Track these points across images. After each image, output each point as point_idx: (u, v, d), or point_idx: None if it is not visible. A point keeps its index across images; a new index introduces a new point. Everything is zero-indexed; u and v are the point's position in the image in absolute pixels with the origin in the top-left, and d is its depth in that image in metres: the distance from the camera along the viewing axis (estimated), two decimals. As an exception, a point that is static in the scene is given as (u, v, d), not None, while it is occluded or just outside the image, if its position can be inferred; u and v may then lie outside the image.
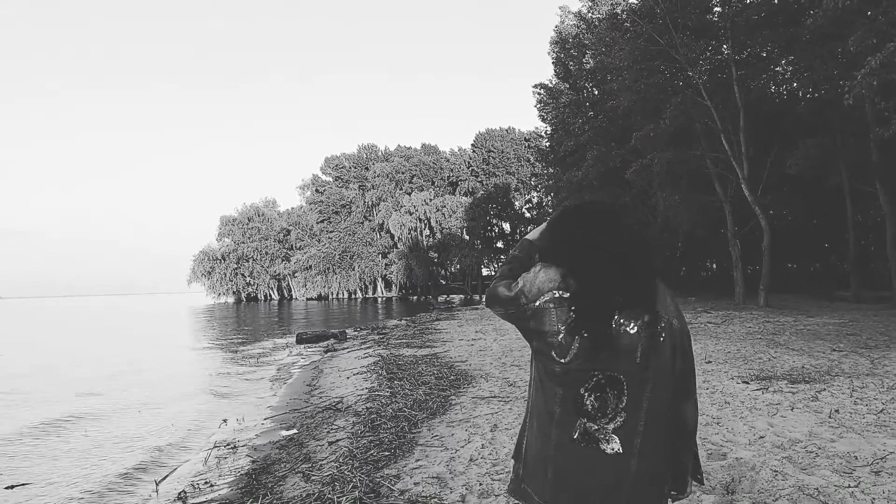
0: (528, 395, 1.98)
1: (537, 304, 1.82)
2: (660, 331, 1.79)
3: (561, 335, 1.77)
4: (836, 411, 6.22)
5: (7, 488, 6.45)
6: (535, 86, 43.05)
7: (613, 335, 1.75)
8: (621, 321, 1.76)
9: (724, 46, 24.61)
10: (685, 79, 25.49)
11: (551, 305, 1.79)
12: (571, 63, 38.60)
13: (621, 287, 1.79)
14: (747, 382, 8.08)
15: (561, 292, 1.79)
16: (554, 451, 1.81)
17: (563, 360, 1.77)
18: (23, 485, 6.55)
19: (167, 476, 6.63)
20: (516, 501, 1.96)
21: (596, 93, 37.30)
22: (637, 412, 1.77)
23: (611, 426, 1.76)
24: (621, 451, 1.75)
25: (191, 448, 7.90)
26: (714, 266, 48.47)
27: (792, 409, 6.42)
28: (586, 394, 1.77)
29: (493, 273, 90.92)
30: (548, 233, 2.01)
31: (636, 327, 1.76)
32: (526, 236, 2.15)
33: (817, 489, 4.15)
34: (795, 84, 26.63)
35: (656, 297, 1.82)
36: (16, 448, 8.34)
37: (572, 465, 1.78)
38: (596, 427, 1.77)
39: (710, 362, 10.09)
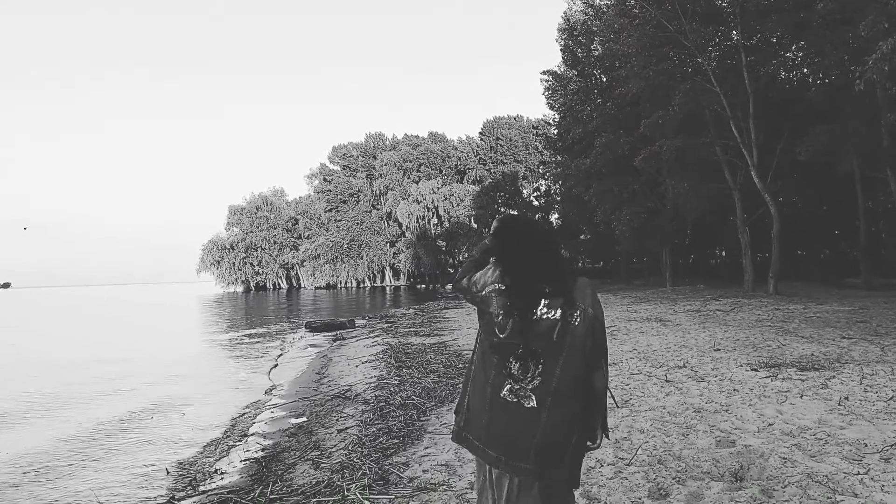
0: (469, 365, 2.62)
1: (483, 293, 2.47)
2: (575, 316, 2.37)
3: (500, 317, 2.39)
4: (846, 398, 6.20)
5: (25, 474, 6.53)
6: (543, 73, 42.75)
7: (536, 319, 2.36)
8: (543, 309, 2.37)
9: (734, 32, 24.37)
10: (694, 65, 25.28)
11: (493, 294, 2.43)
12: (579, 50, 38.33)
13: (544, 280, 2.41)
14: (756, 370, 8.05)
15: (500, 285, 2.43)
16: (488, 405, 2.40)
17: (501, 336, 2.38)
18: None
19: (178, 464, 6.68)
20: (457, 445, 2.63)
21: (604, 80, 37.04)
22: (550, 377, 2.33)
23: (529, 387, 2.34)
24: (536, 405, 2.33)
25: (201, 436, 7.96)
26: (723, 253, 48.27)
27: (801, 397, 6.41)
28: (513, 361, 2.36)
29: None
30: (492, 239, 2.64)
31: (555, 313, 2.37)
32: (485, 240, 2.74)
33: (826, 476, 4.15)
34: (806, 70, 26.34)
35: (573, 290, 2.42)
36: (36, 439, 8.44)
37: (501, 415, 2.37)
38: (519, 387, 2.36)
39: (718, 350, 10.06)
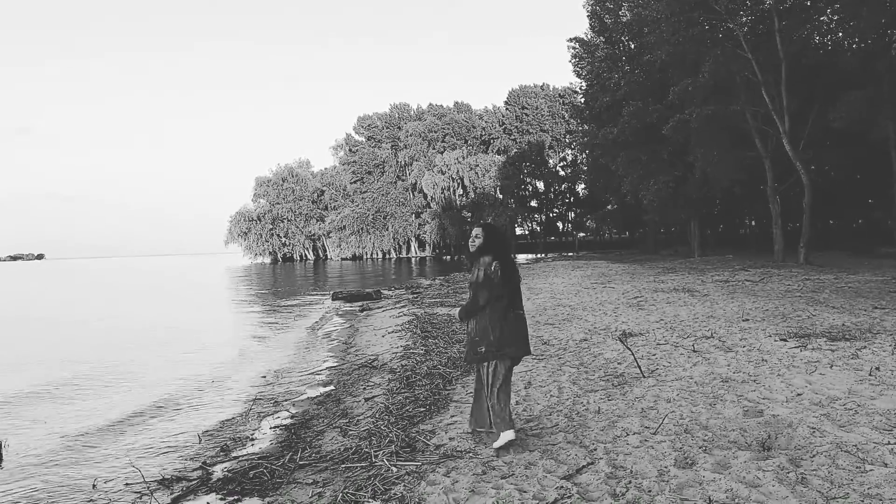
0: (485, 312, 4.73)
1: (492, 267, 4.62)
2: (518, 273, 4.86)
3: (498, 275, 4.61)
4: (877, 369, 6.11)
5: (63, 437, 6.71)
6: (570, 40, 42.10)
7: (513, 273, 4.75)
8: (512, 271, 4.80)
9: (767, -5, 23.76)
10: (725, 31, 24.72)
11: (493, 266, 4.62)
12: (607, 16, 37.61)
13: (508, 255, 4.86)
14: (785, 340, 7.97)
15: (495, 262, 4.65)
16: (512, 324, 4.69)
17: (501, 285, 4.61)
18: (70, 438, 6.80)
19: (209, 430, 6.82)
20: (479, 364, 4.80)
21: (632, 46, 36.40)
22: (520, 300, 4.86)
23: (520, 307, 4.81)
24: (524, 315, 4.85)
25: (232, 403, 8.11)
26: (752, 223, 47.64)
27: (831, 367, 6.33)
28: (513, 296, 4.74)
29: (526, 232, 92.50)
30: (486, 239, 4.77)
31: (514, 272, 4.81)
32: (478, 240, 4.91)
33: (856, 446, 4.10)
34: (840, 34, 25.62)
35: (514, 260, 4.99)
36: (69, 403, 8.66)
37: (519, 325, 4.74)
38: (519, 309, 4.80)
39: (746, 320, 9.95)
